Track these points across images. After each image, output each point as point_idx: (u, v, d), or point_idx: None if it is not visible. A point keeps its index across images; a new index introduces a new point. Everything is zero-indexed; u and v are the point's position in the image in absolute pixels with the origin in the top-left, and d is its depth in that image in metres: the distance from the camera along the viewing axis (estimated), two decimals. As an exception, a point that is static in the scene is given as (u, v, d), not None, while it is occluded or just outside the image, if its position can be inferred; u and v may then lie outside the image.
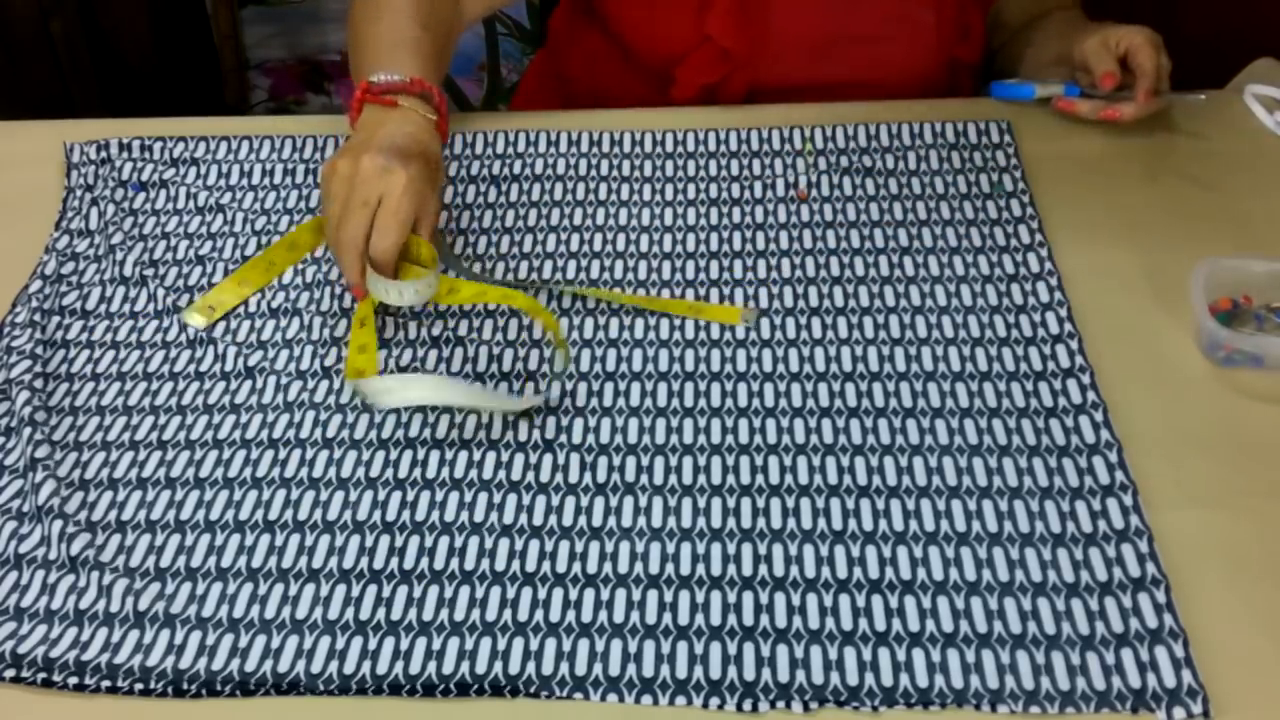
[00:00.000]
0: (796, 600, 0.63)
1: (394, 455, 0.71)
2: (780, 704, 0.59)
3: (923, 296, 0.80)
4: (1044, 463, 0.69)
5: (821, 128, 0.93)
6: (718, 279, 0.82)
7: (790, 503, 0.67)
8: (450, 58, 0.91)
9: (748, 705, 0.59)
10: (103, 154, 0.93)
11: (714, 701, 0.59)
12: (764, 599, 0.63)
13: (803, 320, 0.79)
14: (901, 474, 0.69)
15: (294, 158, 0.95)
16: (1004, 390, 0.73)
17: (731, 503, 0.68)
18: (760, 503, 0.68)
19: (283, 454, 0.72)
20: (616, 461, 0.70)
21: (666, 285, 0.82)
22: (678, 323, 0.79)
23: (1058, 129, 0.94)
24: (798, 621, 0.62)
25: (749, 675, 0.60)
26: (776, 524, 0.66)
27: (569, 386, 0.75)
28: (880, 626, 0.62)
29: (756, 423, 0.72)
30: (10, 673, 0.62)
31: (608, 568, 0.65)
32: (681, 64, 1.00)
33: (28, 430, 0.72)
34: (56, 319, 0.82)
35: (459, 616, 0.63)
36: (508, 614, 0.63)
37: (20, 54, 1.63)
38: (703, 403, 0.73)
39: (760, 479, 0.69)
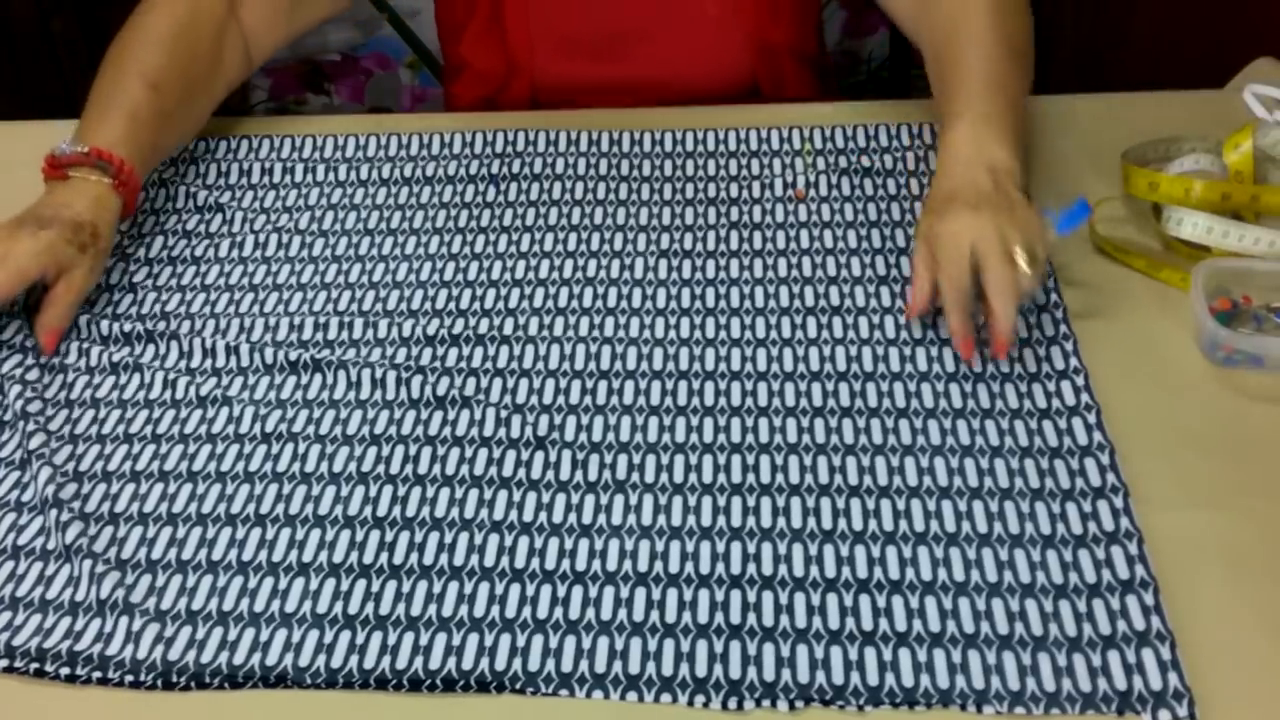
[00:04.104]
0: (784, 599, 0.62)
1: (386, 451, 0.71)
2: (765, 703, 0.59)
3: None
4: (1035, 464, 0.68)
5: (821, 128, 0.93)
6: (714, 278, 0.82)
7: (780, 501, 0.67)
8: (203, 108, 0.94)
9: (733, 704, 0.59)
10: None
11: (699, 700, 0.59)
12: (751, 597, 0.63)
13: (798, 320, 0.78)
14: (893, 474, 0.68)
15: (293, 157, 0.95)
16: (998, 391, 0.73)
17: (721, 501, 0.67)
18: (750, 501, 0.67)
19: (275, 448, 0.72)
20: (608, 459, 0.70)
21: (663, 284, 0.82)
22: (673, 321, 0.79)
23: (1056, 129, 0.93)
24: (784, 620, 0.62)
25: (734, 674, 0.60)
26: (766, 522, 0.66)
27: (563, 384, 0.75)
28: (867, 626, 0.61)
29: (749, 421, 0.72)
30: (3, 663, 0.62)
31: (596, 565, 0.65)
32: (457, 82, 1.08)
33: (22, 424, 0.73)
34: None
35: (447, 612, 0.63)
36: (495, 610, 0.63)
37: (20, 54, 1.64)
38: (695, 401, 0.73)
39: (751, 478, 0.69)
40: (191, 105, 0.91)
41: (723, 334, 0.78)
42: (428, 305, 0.81)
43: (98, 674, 0.61)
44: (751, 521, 0.66)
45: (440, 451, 0.71)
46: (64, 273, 0.78)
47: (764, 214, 0.87)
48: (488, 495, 0.68)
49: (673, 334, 0.78)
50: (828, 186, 0.89)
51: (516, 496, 0.68)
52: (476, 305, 0.81)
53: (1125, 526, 0.65)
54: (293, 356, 0.77)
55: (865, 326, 0.77)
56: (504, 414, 0.73)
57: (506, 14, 1.02)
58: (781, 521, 0.66)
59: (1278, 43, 0.98)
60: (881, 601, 0.62)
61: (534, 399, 0.74)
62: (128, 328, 0.80)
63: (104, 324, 0.81)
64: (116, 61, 0.88)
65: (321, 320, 0.80)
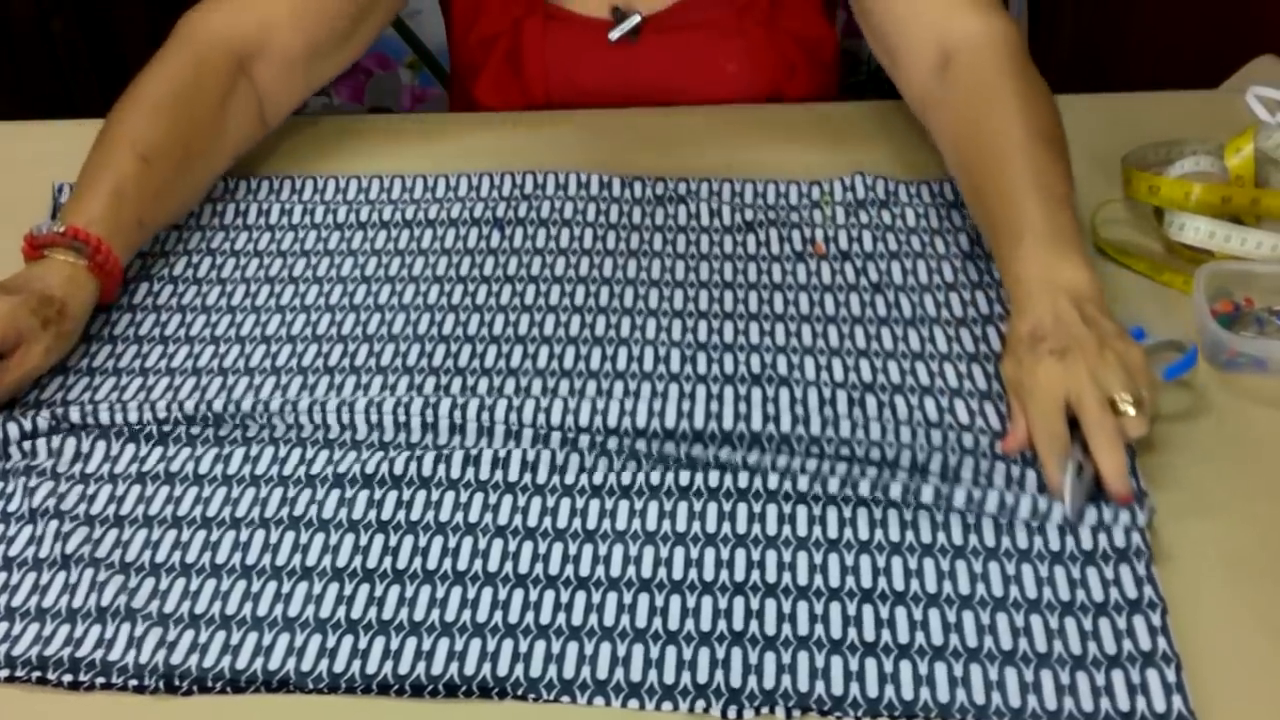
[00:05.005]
0: (787, 607, 0.62)
1: (390, 454, 0.71)
2: (765, 710, 0.59)
3: (960, 378, 0.74)
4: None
5: (841, 179, 0.89)
6: (732, 343, 0.77)
7: (786, 509, 0.67)
8: (205, 178, 0.88)
9: (732, 713, 0.59)
10: None
11: (699, 705, 0.59)
12: (754, 605, 0.63)
13: (826, 393, 0.73)
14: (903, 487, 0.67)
15: (291, 199, 0.91)
16: (1008, 412, 0.71)
17: (728, 507, 0.67)
18: (756, 508, 0.67)
19: (282, 451, 0.71)
20: (617, 464, 0.69)
21: (676, 346, 0.77)
22: (688, 389, 0.74)
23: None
24: (786, 629, 0.61)
25: (735, 681, 0.59)
26: (771, 530, 0.66)
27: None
28: (869, 637, 0.61)
29: (766, 446, 0.70)
30: (4, 673, 0.61)
31: (600, 571, 0.65)
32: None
33: (13, 425, 0.72)
34: None
35: (449, 617, 0.63)
36: (498, 615, 0.63)
37: (20, 54, 1.63)
38: (713, 425, 0.70)
39: (758, 483, 0.68)
40: (190, 175, 0.87)
41: (741, 405, 0.72)
42: (424, 362, 0.77)
43: (100, 679, 0.61)
44: (757, 529, 0.66)
45: (444, 454, 0.70)
46: (21, 344, 0.74)
47: (784, 274, 0.82)
48: (492, 499, 0.68)
49: (687, 404, 0.71)
50: (848, 241, 0.85)
51: (521, 501, 0.68)
52: (476, 363, 0.77)
53: (1136, 543, 0.64)
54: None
55: (903, 406, 0.72)
56: (513, 428, 0.71)
57: (525, 65, 1.00)
58: (786, 529, 0.66)
59: (1278, 43, 0.98)
60: (885, 612, 0.62)
61: (540, 417, 0.70)
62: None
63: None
64: (111, 130, 0.83)
65: (311, 380, 0.77)
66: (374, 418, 0.70)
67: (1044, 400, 0.66)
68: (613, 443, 0.69)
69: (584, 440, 0.69)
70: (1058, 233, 0.72)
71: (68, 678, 0.61)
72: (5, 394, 0.75)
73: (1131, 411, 0.65)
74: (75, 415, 0.73)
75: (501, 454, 0.70)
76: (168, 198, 0.84)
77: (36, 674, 0.61)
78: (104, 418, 0.72)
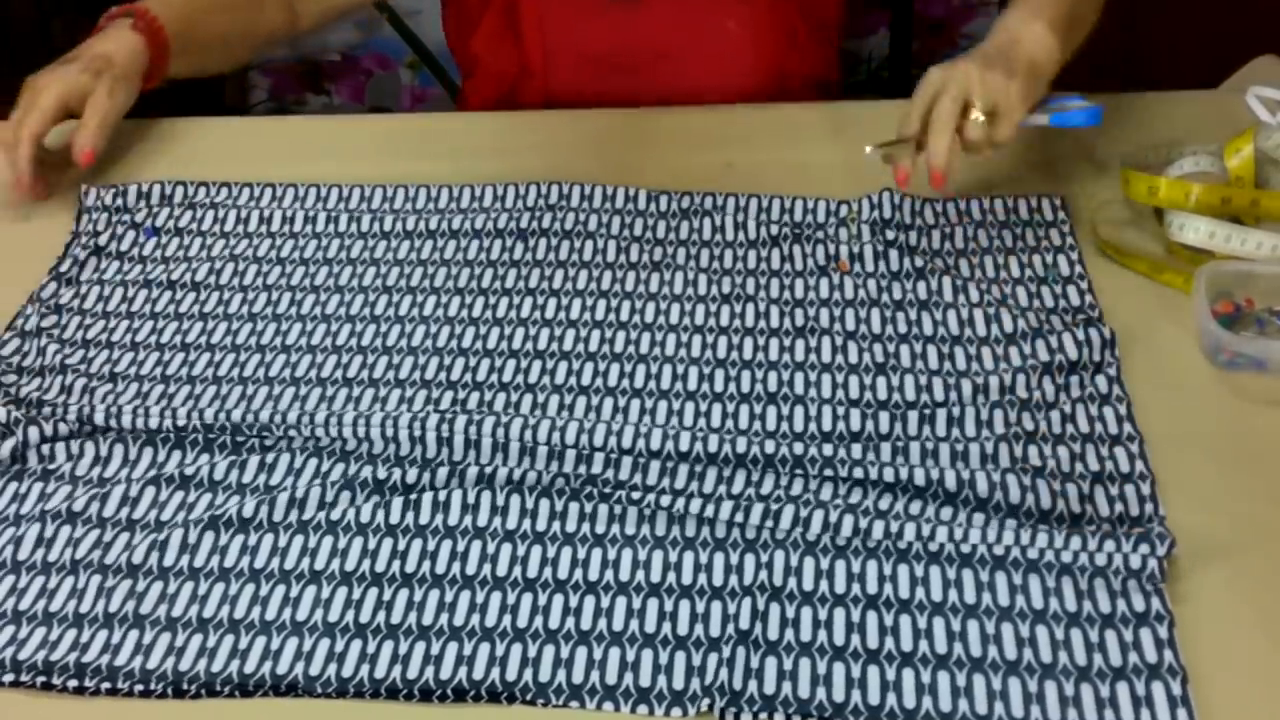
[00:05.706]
0: (791, 613, 0.63)
1: (405, 467, 0.70)
2: (764, 715, 0.59)
3: (975, 390, 0.73)
4: (1077, 489, 0.67)
5: (869, 196, 0.87)
6: (750, 360, 0.77)
7: (804, 513, 0.66)
8: (245, 28, 1.01)
9: (730, 717, 0.59)
10: (118, 201, 0.91)
11: (704, 704, 0.59)
12: (760, 607, 0.63)
13: (840, 411, 0.74)
14: (920, 494, 0.67)
15: (316, 206, 0.91)
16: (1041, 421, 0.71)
17: (739, 516, 0.67)
18: (770, 516, 0.66)
19: (298, 461, 0.71)
20: (626, 469, 0.69)
21: (695, 363, 0.77)
22: (704, 407, 0.74)
23: (1055, 130, 0.92)
24: (789, 634, 0.62)
25: (736, 684, 0.60)
26: (781, 534, 0.66)
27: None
28: (873, 644, 0.61)
29: (780, 470, 0.70)
30: (9, 678, 0.62)
31: (609, 576, 0.65)
32: (469, 80, 1.07)
33: (18, 431, 0.72)
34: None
35: (458, 621, 0.63)
36: (507, 620, 0.63)
37: (20, 54, 1.63)
38: (727, 450, 0.70)
39: (768, 485, 0.68)
40: (234, 22, 0.98)
41: (756, 424, 0.72)
42: (442, 376, 0.77)
43: (106, 685, 0.61)
44: (766, 534, 0.66)
45: (460, 469, 0.70)
46: (85, 98, 0.87)
47: (807, 289, 0.82)
48: (500, 502, 0.68)
49: (702, 422, 0.73)
50: (874, 259, 0.84)
51: (530, 504, 0.68)
52: (494, 378, 0.77)
53: (1151, 567, 0.63)
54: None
55: (914, 421, 0.72)
56: (527, 445, 0.70)
57: (522, 22, 1.00)
58: (797, 533, 0.66)
59: (1278, 42, 0.98)
60: (889, 620, 0.62)
61: (555, 436, 0.70)
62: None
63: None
64: None
65: (330, 391, 0.77)
66: (390, 432, 0.70)
67: (924, 83, 0.77)
68: (626, 462, 0.69)
69: (598, 458, 0.69)
70: (1049, 10, 0.79)
71: (73, 683, 0.61)
72: (91, 138, 0.87)
73: (978, 116, 0.75)
74: (100, 417, 0.73)
75: (517, 475, 0.69)
76: (213, 25, 0.97)
77: (41, 679, 0.61)
78: (126, 421, 0.73)
